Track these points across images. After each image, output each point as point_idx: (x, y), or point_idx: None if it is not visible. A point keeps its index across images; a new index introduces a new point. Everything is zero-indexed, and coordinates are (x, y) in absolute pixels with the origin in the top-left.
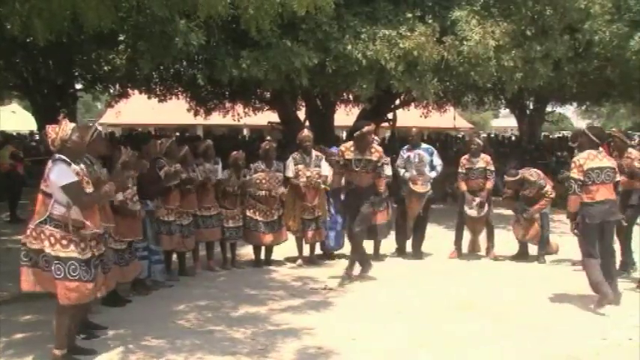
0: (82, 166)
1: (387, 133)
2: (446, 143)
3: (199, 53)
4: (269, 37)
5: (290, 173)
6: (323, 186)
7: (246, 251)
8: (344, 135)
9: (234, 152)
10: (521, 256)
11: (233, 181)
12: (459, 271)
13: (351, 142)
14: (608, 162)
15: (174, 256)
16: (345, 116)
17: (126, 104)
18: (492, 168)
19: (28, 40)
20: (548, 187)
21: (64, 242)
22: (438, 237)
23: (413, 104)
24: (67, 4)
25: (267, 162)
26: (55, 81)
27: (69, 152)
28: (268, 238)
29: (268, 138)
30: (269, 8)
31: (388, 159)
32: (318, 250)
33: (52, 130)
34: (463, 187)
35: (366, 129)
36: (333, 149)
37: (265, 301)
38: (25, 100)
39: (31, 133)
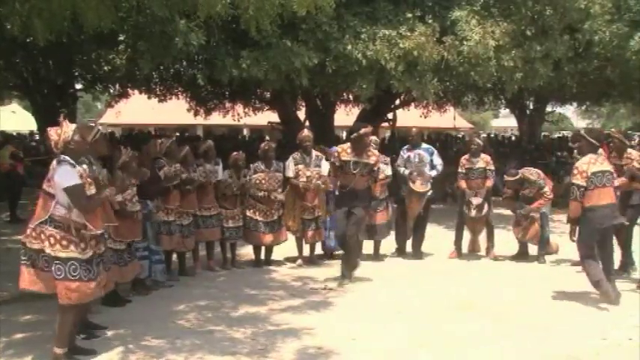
0: (85, 166)
1: (387, 133)
2: (446, 143)
3: (199, 53)
4: (269, 37)
5: (290, 173)
6: (322, 186)
7: (246, 251)
8: (344, 135)
9: (235, 153)
10: (521, 256)
11: (234, 182)
12: (459, 271)
13: (348, 144)
14: (608, 166)
15: (175, 256)
16: (345, 116)
17: (126, 104)
18: (492, 168)
19: (28, 40)
20: (547, 188)
21: (64, 243)
22: (438, 237)
23: (413, 104)
24: (67, 4)
25: (266, 162)
26: (55, 81)
27: (72, 153)
28: (268, 238)
29: (267, 138)
30: (269, 8)
31: (388, 159)
32: (318, 250)
33: (54, 133)
34: (463, 184)
35: (363, 131)
36: (333, 149)
37: (265, 301)
38: (25, 100)
39: (31, 133)
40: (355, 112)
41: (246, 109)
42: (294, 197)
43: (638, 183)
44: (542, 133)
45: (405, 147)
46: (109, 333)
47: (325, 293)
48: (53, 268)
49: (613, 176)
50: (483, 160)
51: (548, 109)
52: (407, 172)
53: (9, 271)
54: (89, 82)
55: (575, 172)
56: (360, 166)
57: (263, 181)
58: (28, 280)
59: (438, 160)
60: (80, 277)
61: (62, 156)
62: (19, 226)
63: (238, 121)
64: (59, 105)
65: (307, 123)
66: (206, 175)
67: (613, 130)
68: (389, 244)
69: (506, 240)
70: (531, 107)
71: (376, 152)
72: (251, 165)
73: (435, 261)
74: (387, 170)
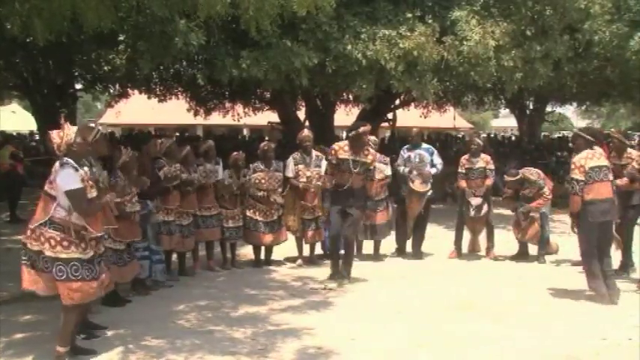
0: (86, 169)
1: (387, 133)
2: (446, 143)
3: (199, 53)
4: (269, 37)
5: (290, 173)
6: (322, 186)
7: (246, 251)
8: (344, 135)
9: (235, 153)
10: (521, 256)
11: (234, 182)
12: (459, 271)
13: (345, 142)
14: (604, 161)
15: (174, 256)
16: (345, 116)
17: (126, 104)
18: (492, 167)
19: (28, 40)
20: (547, 189)
21: (65, 244)
22: (438, 237)
23: (413, 104)
24: (66, 4)
25: (265, 162)
26: (55, 81)
27: (74, 155)
28: (268, 238)
29: (266, 139)
30: (269, 9)
31: (387, 159)
32: (318, 250)
33: (56, 135)
34: (463, 183)
35: (362, 129)
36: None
37: (265, 301)
38: (25, 100)
39: (31, 133)
40: (355, 112)
41: (246, 109)
42: (294, 197)
43: (638, 184)
44: (542, 133)
45: (406, 147)
46: (109, 333)
47: (325, 293)
48: (54, 270)
49: (610, 171)
50: (483, 160)
51: (548, 109)
52: (406, 169)
53: (9, 271)
54: (89, 82)
55: (573, 167)
56: (358, 165)
57: (263, 181)
58: (28, 280)
59: (438, 160)
60: (82, 277)
61: (65, 159)
62: (19, 226)
63: (238, 121)
64: (59, 105)
65: (307, 123)
66: (206, 175)
67: (612, 130)
68: (389, 244)
69: (506, 240)
70: (531, 107)
71: (373, 151)
72: (250, 165)
73: (435, 261)
74: (387, 170)
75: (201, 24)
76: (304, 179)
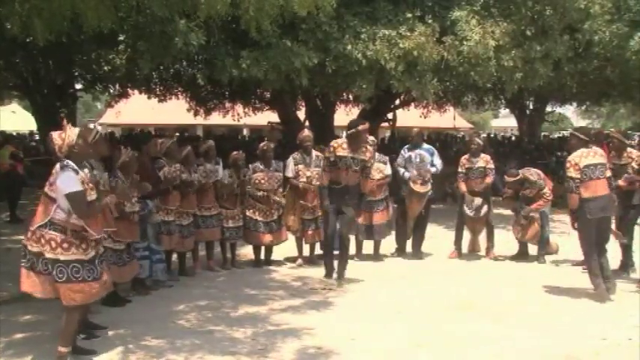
0: (86, 171)
1: (387, 133)
2: (446, 143)
3: (199, 53)
4: (269, 37)
5: (290, 173)
6: None
7: (246, 251)
8: (343, 135)
9: (234, 152)
10: (521, 256)
11: (234, 181)
12: (459, 271)
13: (343, 140)
14: (600, 158)
15: (175, 256)
16: (345, 116)
17: (126, 104)
18: (492, 166)
19: (28, 40)
20: (547, 189)
21: (65, 245)
22: (438, 237)
23: (413, 104)
24: (66, 4)
25: (265, 162)
26: (55, 81)
27: (75, 157)
28: (268, 238)
29: (266, 139)
30: (269, 9)
31: (386, 158)
32: (318, 250)
33: (57, 137)
34: (463, 187)
35: (361, 127)
36: None
37: (265, 301)
38: (25, 100)
39: (31, 133)
40: (355, 112)
41: (246, 109)
42: (294, 197)
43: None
44: (542, 133)
45: (406, 146)
46: (109, 333)
47: (325, 293)
48: (54, 272)
49: (606, 168)
50: (483, 160)
51: (548, 109)
52: (407, 174)
53: (9, 271)
54: (89, 82)
55: (568, 165)
56: (356, 163)
57: (262, 181)
58: (27, 283)
59: (437, 161)
60: (84, 279)
61: (66, 161)
62: (19, 226)
63: (238, 121)
64: (59, 105)
65: (307, 123)
66: (206, 175)
67: (612, 130)
68: (389, 244)
69: (506, 240)
70: (531, 107)
71: (370, 149)
72: (250, 165)
73: (435, 261)
74: (387, 169)
75: (201, 24)
76: (304, 179)
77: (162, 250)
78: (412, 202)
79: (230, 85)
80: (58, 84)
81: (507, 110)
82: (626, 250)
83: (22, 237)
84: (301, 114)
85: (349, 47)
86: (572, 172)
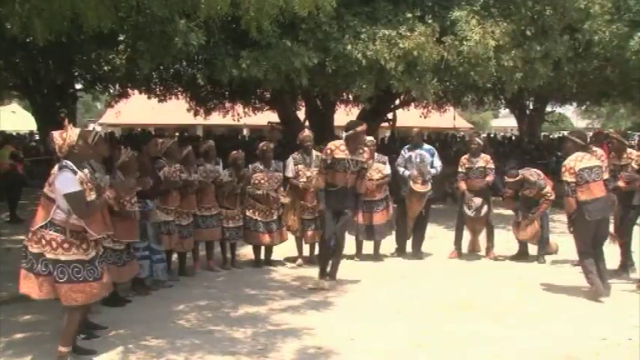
0: (86, 171)
1: (387, 133)
2: (446, 143)
3: (199, 53)
4: (269, 37)
5: (290, 173)
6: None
7: (246, 251)
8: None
9: (234, 152)
10: (521, 256)
11: (234, 180)
12: (459, 271)
13: (341, 141)
14: (596, 161)
15: (175, 256)
16: (345, 116)
17: (126, 104)
18: (492, 166)
19: (28, 40)
20: (548, 188)
21: (66, 246)
22: (438, 237)
23: (413, 104)
24: (66, 4)
25: (265, 162)
26: (55, 81)
27: (75, 157)
28: (268, 238)
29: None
30: (270, 9)
31: (386, 158)
32: (317, 250)
33: (58, 137)
34: (463, 187)
35: (359, 129)
36: None
37: (265, 301)
38: (25, 100)
39: (31, 133)
40: (355, 112)
41: (246, 109)
42: (294, 197)
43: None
44: (542, 133)
45: (407, 146)
46: (109, 333)
47: (325, 293)
48: (55, 272)
49: (602, 170)
50: (483, 160)
51: (548, 109)
52: (407, 173)
53: (9, 271)
54: (89, 82)
55: (563, 169)
56: (355, 164)
57: (262, 181)
58: (26, 285)
59: (438, 162)
60: (85, 279)
61: (64, 161)
62: (19, 226)
63: (238, 121)
64: (59, 105)
65: (307, 123)
66: (206, 175)
67: (612, 130)
68: (389, 244)
69: (506, 240)
70: (531, 107)
71: (367, 149)
72: (250, 165)
73: (435, 261)
74: (386, 169)
75: (201, 24)
76: (304, 179)
77: (162, 250)
78: (412, 202)
79: (230, 85)
80: (58, 84)
81: (507, 110)
82: (626, 250)
83: (22, 237)
84: (301, 114)
85: (349, 47)
86: (567, 177)
